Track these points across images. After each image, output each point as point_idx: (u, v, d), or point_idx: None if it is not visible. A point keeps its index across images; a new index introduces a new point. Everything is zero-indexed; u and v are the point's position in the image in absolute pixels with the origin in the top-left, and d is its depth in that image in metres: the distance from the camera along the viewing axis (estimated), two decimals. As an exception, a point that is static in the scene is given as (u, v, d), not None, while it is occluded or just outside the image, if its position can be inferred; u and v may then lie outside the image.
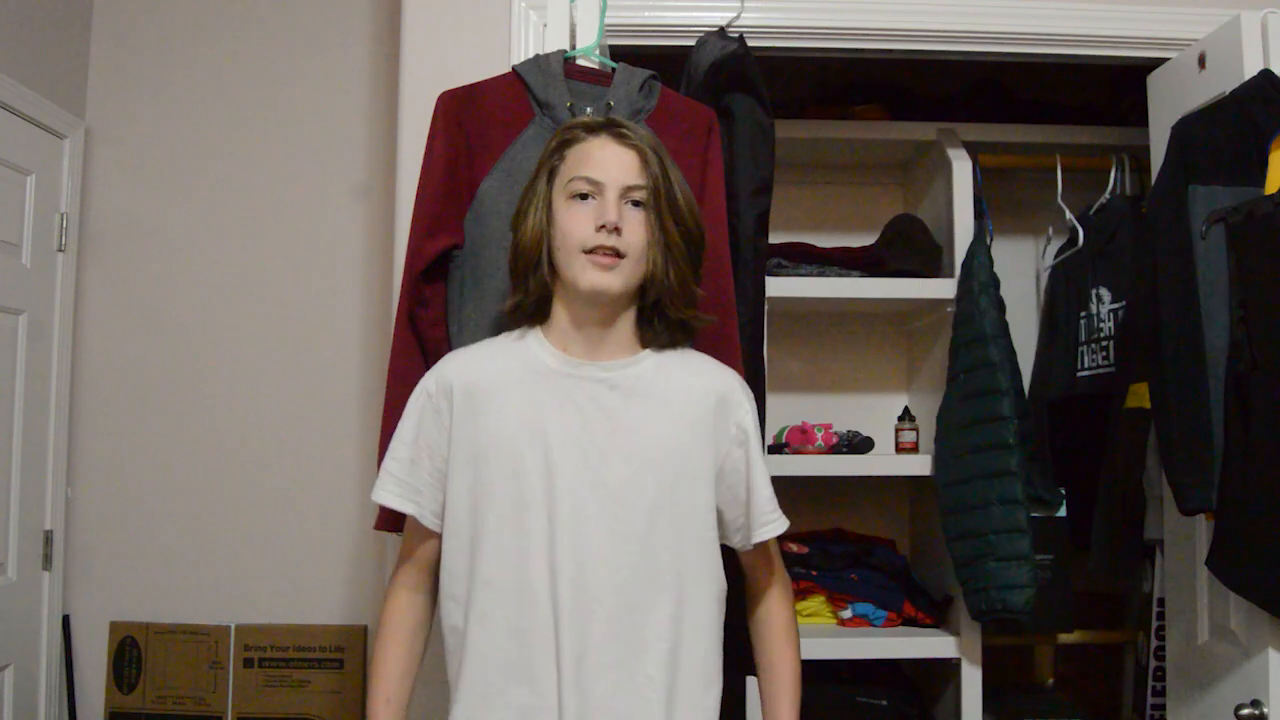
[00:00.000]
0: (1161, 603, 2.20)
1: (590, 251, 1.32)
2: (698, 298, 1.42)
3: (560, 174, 1.38)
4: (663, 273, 1.36)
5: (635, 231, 1.34)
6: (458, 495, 1.38)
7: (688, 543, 1.37)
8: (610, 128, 1.38)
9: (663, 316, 1.40)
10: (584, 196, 1.35)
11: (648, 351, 1.41)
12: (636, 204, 1.35)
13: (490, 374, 1.40)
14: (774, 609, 1.51)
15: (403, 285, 1.71)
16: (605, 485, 1.34)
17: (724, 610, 1.44)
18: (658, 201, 1.35)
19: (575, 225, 1.34)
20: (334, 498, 2.64)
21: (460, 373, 1.41)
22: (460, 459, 1.37)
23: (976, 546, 2.19)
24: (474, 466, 1.36)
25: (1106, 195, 2.53)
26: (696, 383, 1.41)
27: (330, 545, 2.66)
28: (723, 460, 1.40)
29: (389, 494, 1.41)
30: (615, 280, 1.33)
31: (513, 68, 1.76)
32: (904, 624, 2.38)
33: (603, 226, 1.32)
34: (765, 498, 1.43)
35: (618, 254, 1.33)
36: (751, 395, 1.46)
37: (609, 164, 1.35)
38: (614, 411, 1.37)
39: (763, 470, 1.43)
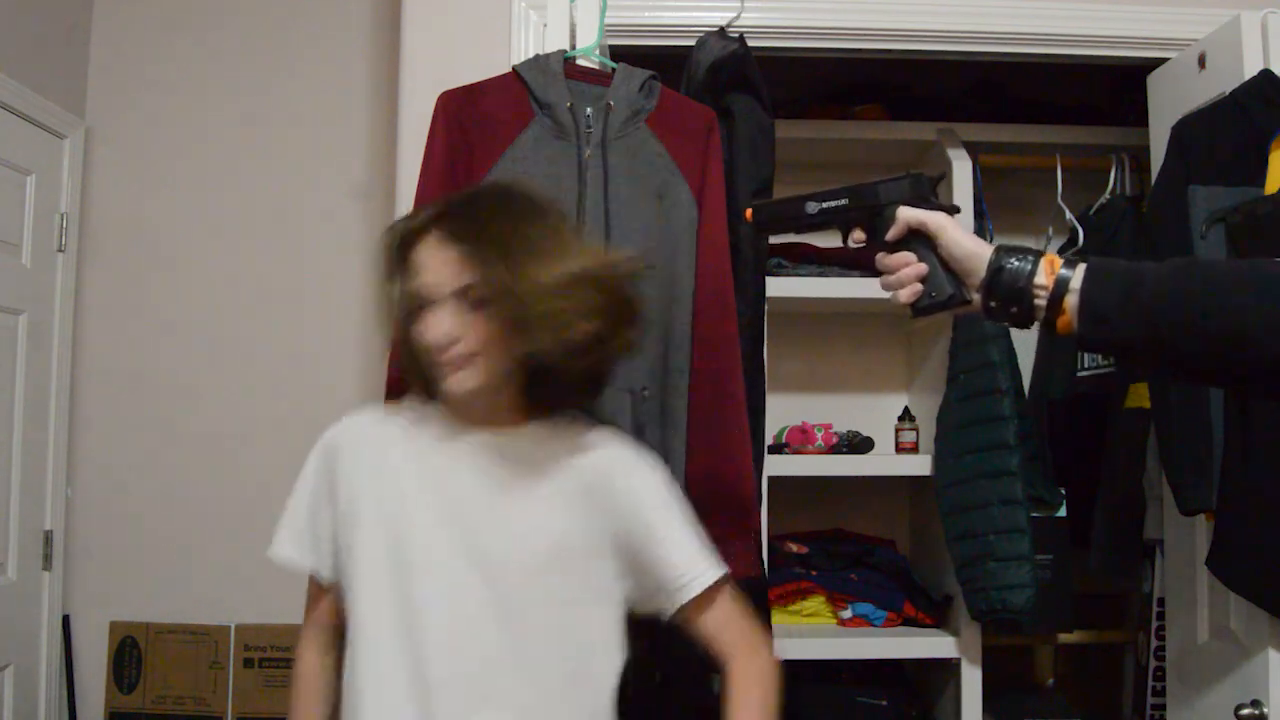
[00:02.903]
0: (1161, 603, 2.20)
1: (441, 359, 1.26)
2: (590, 344, 1.26)
3: (404, 280, 1.30)
4: (524, 354, 1.26)
5: (479, 331, 1.24)
6: (341, 556, 1.34)
7: (568, 622, 1.30)
8: (439, 222, 1.27)
9: (556, 376, 1.30)
10: (427, 305, 1.26)
11: (542, 418, 1.33)
12: (478, 300, 1.24)
13: (381, 434, 1.36)
14: (741, 689, 1.30)
15: (403, 285, 1.71)
16: (474, 557, 1.28)
17: (614, 685, 1.33)
18: (492, 294, 1.23)
19: (422, 335, 1.26)
20: (334, 498, 2.64)
21: (355, 430, 1.38)
22: (344, 519, 1.34)
23: (976, 546, 2.19)
24: (353, 528, 1.32)
25: (1106, 195, 2.53)
26: (580, 455, 1.33)
27: (330, 545, 2.65)
28: (615, 532, 1.31)
29: (288, 545, 1.37)
30: (471, 379, 1.26)
31: (513, 68, 1.76)
32: (904, 624, 2.38)
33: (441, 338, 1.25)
34: (679, 560, 1.31)
35: (468, 357, 1.25)
36: (651, 465, 1.36)
37: (436, 270, 1.25)
38: (498, 481, 1.30)
39: (670, 535, 1.32)
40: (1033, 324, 1.11)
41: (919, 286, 1.15)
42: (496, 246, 1.23)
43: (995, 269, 1.10)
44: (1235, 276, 1.05)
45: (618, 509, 1.31)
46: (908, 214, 1.15)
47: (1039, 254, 1.10)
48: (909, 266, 1.15)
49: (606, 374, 1.37)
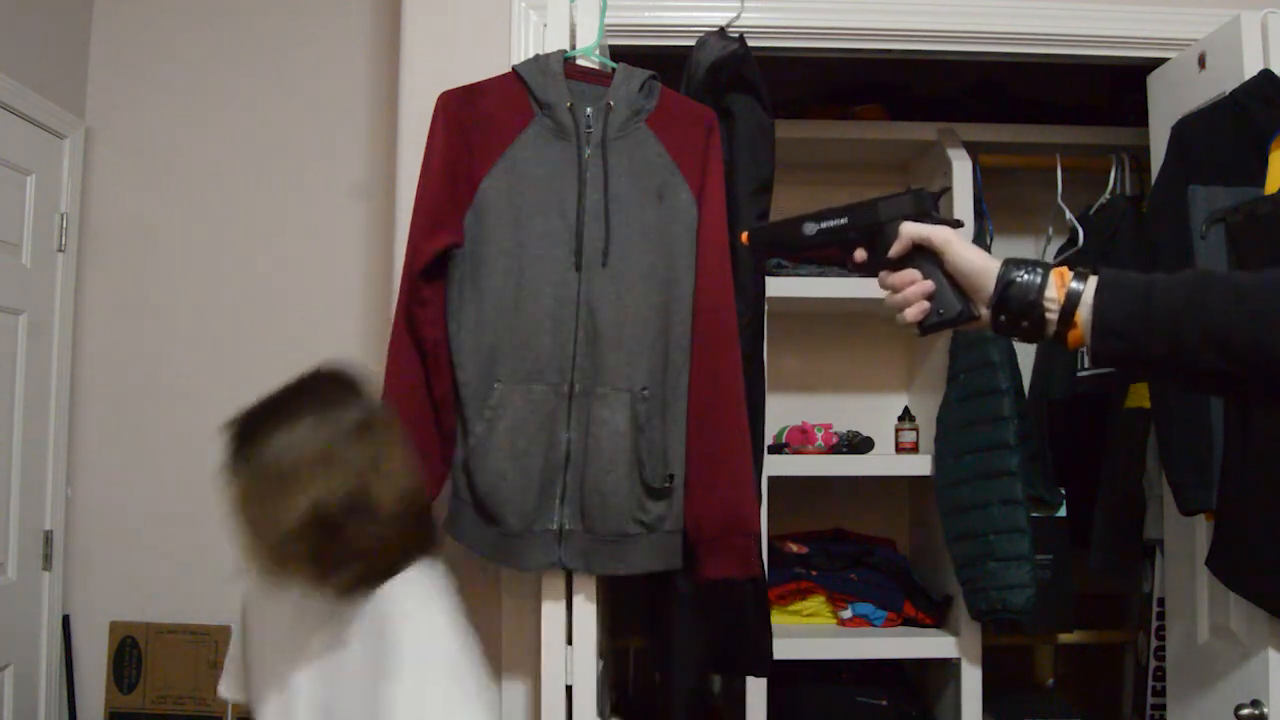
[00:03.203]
0: (1161, 603, 2.20)
1: None
2: (323, 574, 1.31)
3: None
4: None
5: None
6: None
7: None
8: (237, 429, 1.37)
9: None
10: None
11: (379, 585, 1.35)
12: None
13: (275, 595, 1.42)
14: None
15: (401, 284, 1.71)
16: (317, 712, 1.34)
17: None
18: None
19: None
20: (334, 498, 2.64)
21: (252, 586, 1.47)
22: (249, 670, 1.45)
23: (976, 547, 2.19)
24: (253, 678, 1.43)
25: (1106, 195, 2.52)
26: (375, 606, 1.33)
27: (330, 545, 2.65)
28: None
29: (229, 686, 1.48)
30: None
31: (513, 68, 1.76)
32: (904, 624, 2.38)
33: None
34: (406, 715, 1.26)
35: None
36: (430, 621, 1.33)
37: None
38: (329, 636, 1.35)
39: (410, 689, 1.26)
40: (1043, 338, 1.08)
41: (926, 304, 1.12)
42: (245, 483, 1.31)
43: (1005, 283, 1.07)
44: (1253, 286, 1.02)
45: (387, 655, 1.29)
46: (911, 230, 1.13)
47: (1048, 266, 1.08)
48: (915, 284, 1.12)
49: (385, 571, 1.35)
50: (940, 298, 1.12)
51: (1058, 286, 1.06)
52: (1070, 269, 1.07)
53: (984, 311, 1.11)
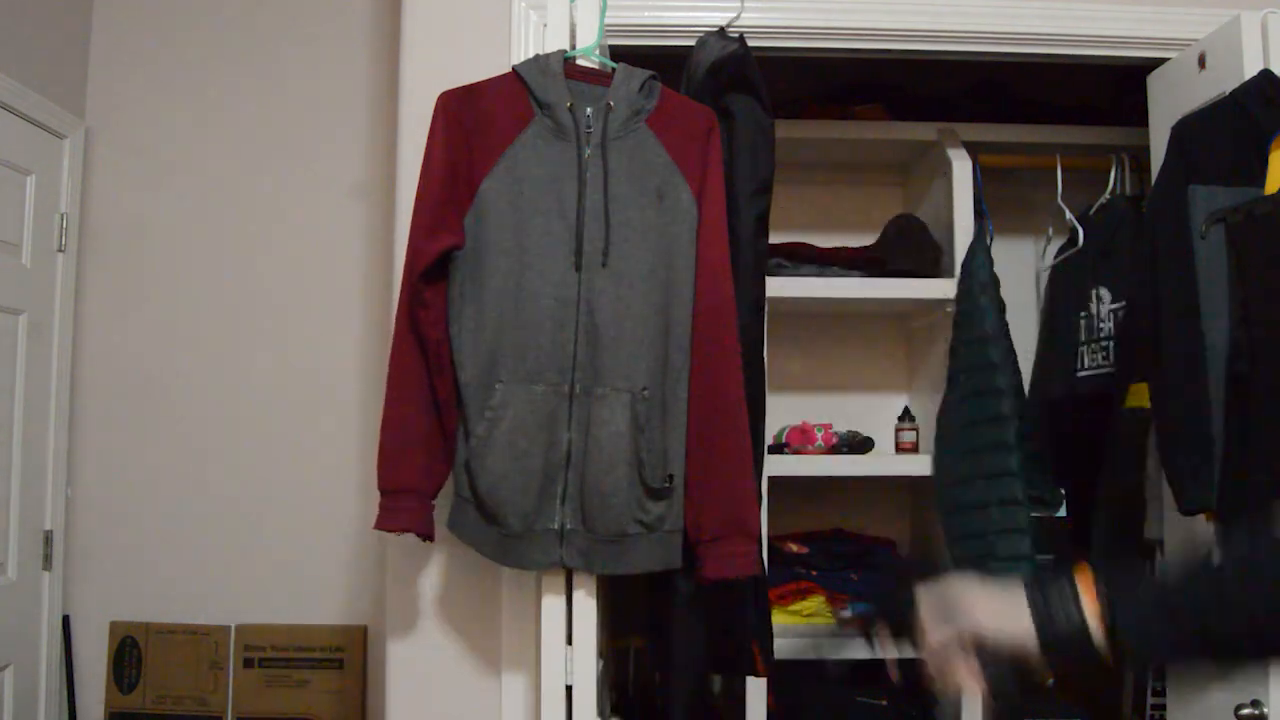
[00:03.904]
0: (1162, 603, 2.20)
1: None
2: None
3: None
4: None
5: None
6: None
7: None
8: None
9: None
10: None
11: None
12: None
13: None
14: None
15: (403, 286, 1.71)
16: None
17: None
18: None
19: None
20: (334, 498, 2.64)
21: None
22: None
23: (977, 547, 2.19)
24: None
25: (1106, 195, 2.52)
26: None
27: (330, 545, 2.66)
28: None
29: None
30: None
31: (513, 68, 1.76)
32: (904, 624, 2.38)
33: None
34: None
35: None
36: None
37: None
38: None
39: None
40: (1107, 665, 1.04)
41: (983, 676, 1.08)
42: None
43: (1046, 645, 1.03)
44: (1250, 588, 1.01)
45: None
46: (935, 641, 1.09)
47: (1080, 616, 1.02)
48: (962, 672, 1.08)
49: None
50: (990, 677, 1.08)
51: (1099, 628, 1.02)
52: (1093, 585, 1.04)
53: (1040, 665, 1.06)
